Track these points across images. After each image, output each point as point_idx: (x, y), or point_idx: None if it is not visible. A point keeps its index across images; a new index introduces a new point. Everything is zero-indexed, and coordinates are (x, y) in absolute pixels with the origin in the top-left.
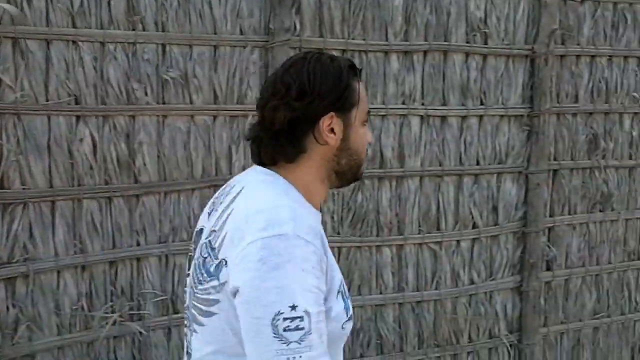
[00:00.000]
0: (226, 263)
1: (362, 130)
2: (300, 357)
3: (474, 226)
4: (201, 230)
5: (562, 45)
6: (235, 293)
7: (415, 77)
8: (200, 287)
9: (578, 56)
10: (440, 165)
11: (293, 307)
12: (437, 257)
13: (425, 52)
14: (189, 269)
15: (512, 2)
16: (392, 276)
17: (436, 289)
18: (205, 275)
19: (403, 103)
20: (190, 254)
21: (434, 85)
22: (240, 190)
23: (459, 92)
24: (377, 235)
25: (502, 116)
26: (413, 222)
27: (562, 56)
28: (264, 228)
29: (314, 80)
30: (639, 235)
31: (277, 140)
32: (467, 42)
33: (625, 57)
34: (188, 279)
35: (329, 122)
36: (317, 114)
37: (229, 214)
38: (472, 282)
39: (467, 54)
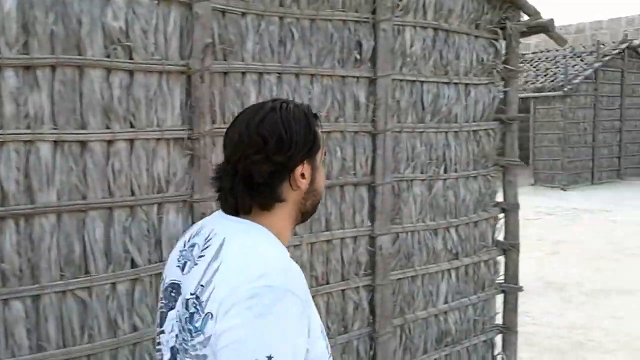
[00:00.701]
0: (212, 316)
1: (322, 170)
2: None
3: (133, 265)
4: (175, 284)
5: (224, 61)
6: (218, 338)
7: (42, 96)
8: (189, 343)
9: (244, 73)
10: (83, 198)
11: (269, 358)
12: (87, 305)
13: (53, 67)
14: (161, 325)
15: (160, 13)
16: (28, 333)
17: (89, 342)
18: (192, 331)
19: (28, 127)
20: (161, 309)
21: (68, 105)
22: (223, 242)
23: (101, 112)
24: (4, 286)
25: (158, 139)
26: (52, 267)
27: (225, 73)
28: (256, 279)
29: (290, 131)
30: (326, 259)
31: (255, 191)
32: (108, 56)
33: (297, 75)
34: (163, 336)
35: (301, 169)
36: (295, 164)
37: (217, 268)
38: (134, 329)
39: (108, 70)
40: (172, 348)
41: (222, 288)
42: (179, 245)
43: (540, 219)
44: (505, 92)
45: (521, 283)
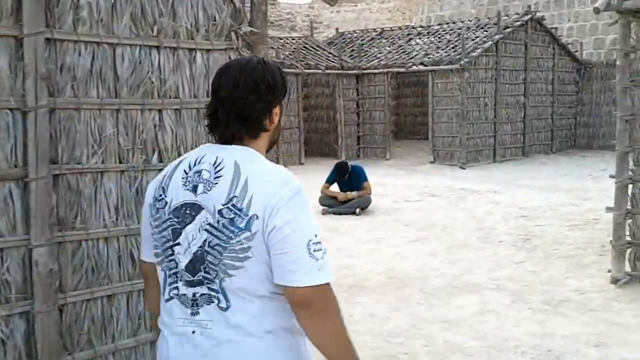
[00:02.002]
0: (257, 217)
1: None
2: (324, 267)
3: None
4: (189, 203)
5: None
6: (271, 231)
7: None
8: (232, 241)
9: None
10: None
11: (316, 236)
12: None
13: None
14: (175, 239)
15: None
16: None
17: None
18: (236, 231)
19: None
20: (173, 226)
21: None
22: (236, 163)
23: None
24: None
25: None
26: None
27: None
28: (285, 185)
29: (274, 79)
30: None
31: (248, 124)
32: None
33: None
34: (178, 247)
35: (277, 109)
36: (276, 104)
37: (245, 181)
38: None
39: None
40: (195, 253)
41: (260, 195)
42: (178, 173)
43: (422, 201)
44: None
45: (366, 278)
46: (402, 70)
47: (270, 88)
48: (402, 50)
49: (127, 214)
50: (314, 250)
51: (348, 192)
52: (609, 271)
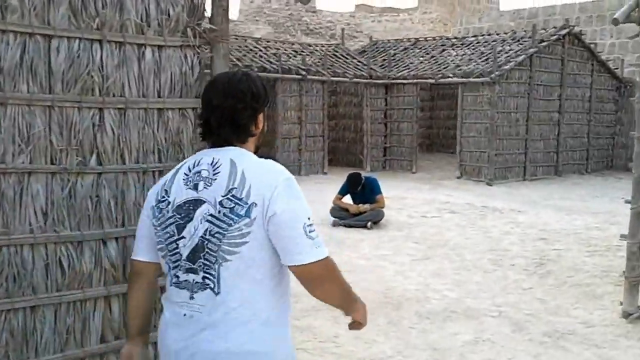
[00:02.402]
0: (256, 205)
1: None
2: (320, 245)
3: None
4: (192, 200)
5: None
6: (271, 217)
7: None
8: (231, 228)
9: None
10: None
11: (309, 219)
12: None
13: None
14: (179, 234)
15: None
16: None
17: None
18: (235, 218)
19: None
20: (177, 222)
21: None
22: (231, 160)
23: None
24: None
25: None
26: None
27: None
28: (280, 176)
29: (257, 89)
30: None
31: (237, 129)
32: None
33: None
34: (182, 241)
35: (261, 116)
36: (260, 111)
37: (242, 174)
38: None
39: None
40: (197, 243)
41: (257, 185)
42: (180, 176)
43: (438, 217)
44: (211, 60)
45: (361, 296)
46: (431, 81)
47: (255, 97)
48: (434, 61)
49: (57, 219)
50: (309, 232)
51: (361, 204)
52: (621, 304)
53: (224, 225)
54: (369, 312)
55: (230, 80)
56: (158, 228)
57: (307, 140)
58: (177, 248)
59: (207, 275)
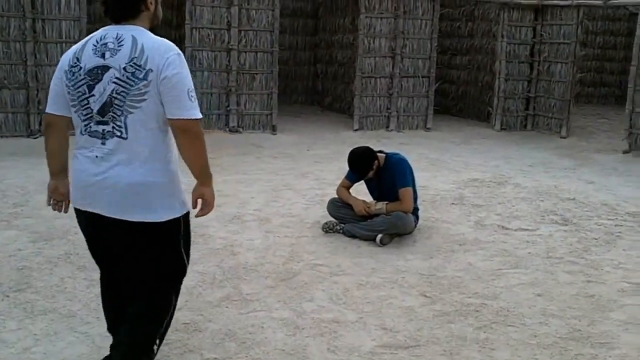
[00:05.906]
0: (152, 70)
1: (159, 6)
2: (197, 108)
3: None
4: (100, 66)
5: None
6: (163, 80)
7: None
8: (132, 88)
9: None
10: None
11: (192, 89)
12: None
13: None
14: (90, 92)
15: None
16: None
17: None
18: (136, 80)
19: None
20: (88, 83)
21: None
22: (133, 36)
23: None
24: None
25: None
26: None
27: None
28: (172, 49)
29: None
30: None
31: (128, 6)
32: None
33: None
34: (92, 98)
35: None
36: None
37: (142, 46)
38: None
39: None
40: (105, 100)
41: (154, 55)
42: (89, 47)
43: (538, 232)
44: None
45: None
46: (599, 2)
47: None
48: None
49: None
50: (191, 97)
51: (373, 202)
52: None
53: (127, 86)
54: None
55: None
56: (71, 88)
57: (402, 82)
58: (88, 104)
59: (116, 125)
